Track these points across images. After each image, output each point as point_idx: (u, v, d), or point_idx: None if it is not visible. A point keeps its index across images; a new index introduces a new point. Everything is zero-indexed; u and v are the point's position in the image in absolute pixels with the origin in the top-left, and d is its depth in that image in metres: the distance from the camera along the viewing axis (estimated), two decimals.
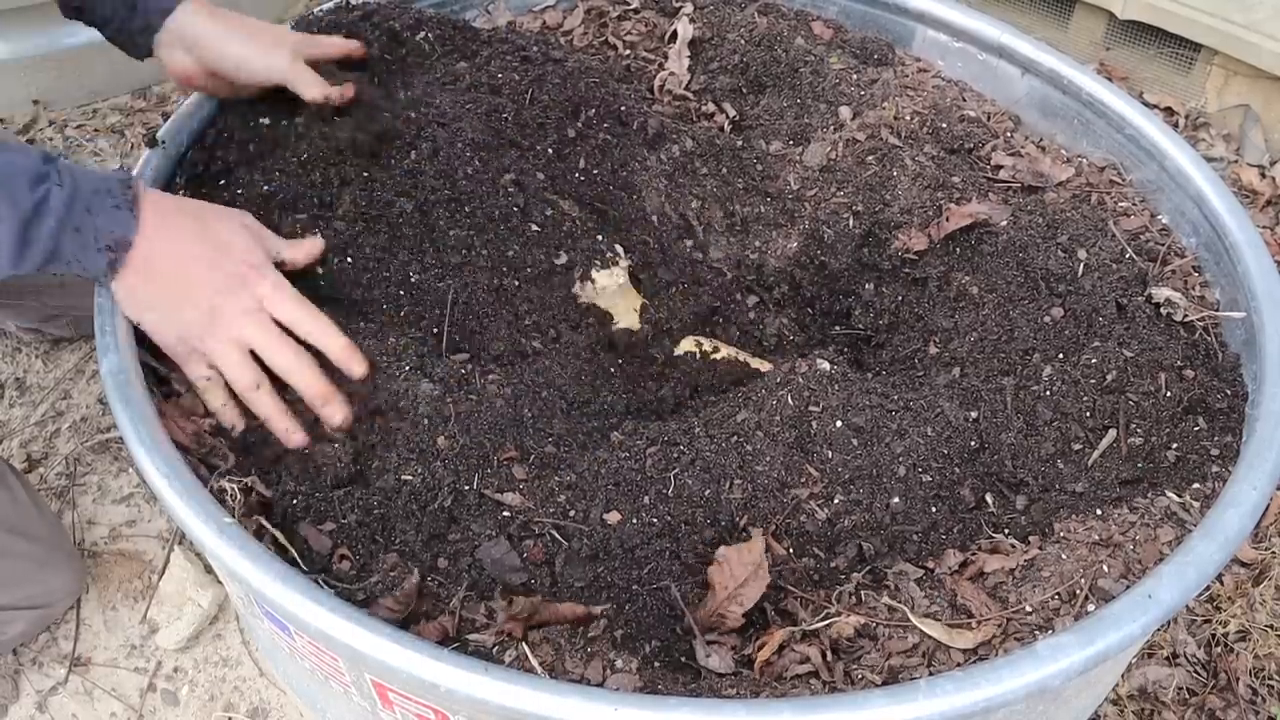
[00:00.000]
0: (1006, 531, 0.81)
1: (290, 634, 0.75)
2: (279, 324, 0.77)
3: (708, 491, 0.80)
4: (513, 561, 0.75)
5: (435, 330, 0.88)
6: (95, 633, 1.24)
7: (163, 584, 1.24)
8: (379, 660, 0.63)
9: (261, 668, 1.20)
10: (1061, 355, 0.92)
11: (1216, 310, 0.94)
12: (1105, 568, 0.74)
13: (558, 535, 0.77)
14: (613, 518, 0.78)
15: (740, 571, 0.74)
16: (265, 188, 0.91)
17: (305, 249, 0.83)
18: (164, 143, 0.95)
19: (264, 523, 0.74)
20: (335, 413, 0.78)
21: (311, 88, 0.92)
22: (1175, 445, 0.85)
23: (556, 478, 0.80)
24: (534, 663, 0.67)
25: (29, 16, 1.80)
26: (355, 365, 0.78)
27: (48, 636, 1.23)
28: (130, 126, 1.89)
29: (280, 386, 0.79)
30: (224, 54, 0.91)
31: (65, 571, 1.16)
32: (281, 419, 0.77)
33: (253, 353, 0.78)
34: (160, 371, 0.82)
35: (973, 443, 0.87)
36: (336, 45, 0.98)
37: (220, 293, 0.75)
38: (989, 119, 1.15)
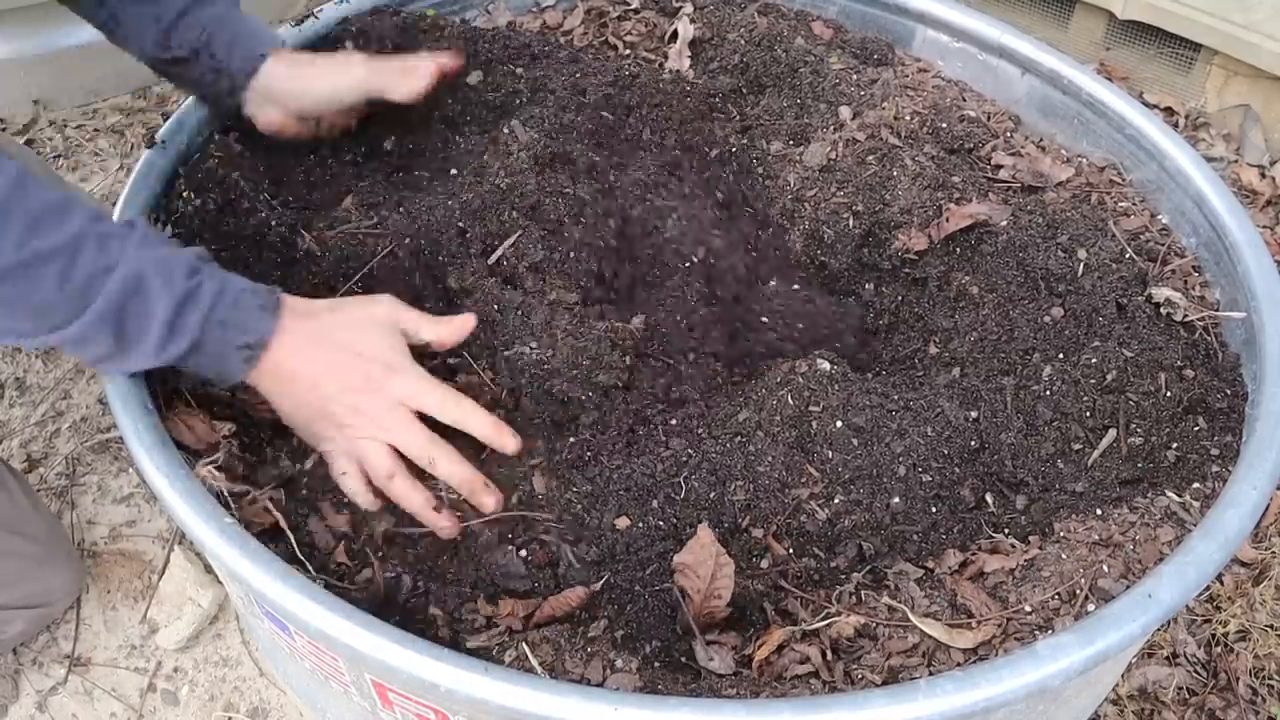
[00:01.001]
0: (1006, 531, 0.81)
1: (290, 634, 0.75)
2: (422, 415, 0.77)
3: (713, 494, 0.80)
4: (516, 569, 0.75)
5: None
6: (95, 633, 1.24)
7: (163, 584, 1.24)
8: (379, 660, 0.63)
9: (261, 668, 1.20)
10: (1061, 355, 0.92)
11: (1216, 310, 0.94)
12: (1105, 567, 0.74)
13: (568, 547, 0.77)
14: (622, 523, 0.78)
15: (704, 570, 0.74)
16: None
17: (453, 329, 0.81)
18: (164, 143, 0.95)
19: (264, 501, 0.75)
20: (488, 499, 0.77)
21: (401, 84, 0.96)
22: (1175, 445, 0.85)
23: (574, 489, 0.81)
24: (534, 663, 0.67)
25: (29, 16, 1.80)
26: (508, 442, 0.77)
27: (48, 636, 1.23)
28: (130, 126, 1.89)
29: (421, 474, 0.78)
30: (303, 96, 0.95)
31: (64, 570, 1.16)
32: (429, 512, 0.76)
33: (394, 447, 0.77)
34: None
35: (973, 443, 0.87)
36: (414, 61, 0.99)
37: (357, 392, 0.75)
38: (989, 119, 1.15)
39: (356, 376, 0.75)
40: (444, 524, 0.76)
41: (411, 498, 0.76)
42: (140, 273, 0.68)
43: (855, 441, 0.84)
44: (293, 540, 0.75)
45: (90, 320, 0.67)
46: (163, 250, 0.71)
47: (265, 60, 0.93)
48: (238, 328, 0.72)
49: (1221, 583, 1.23)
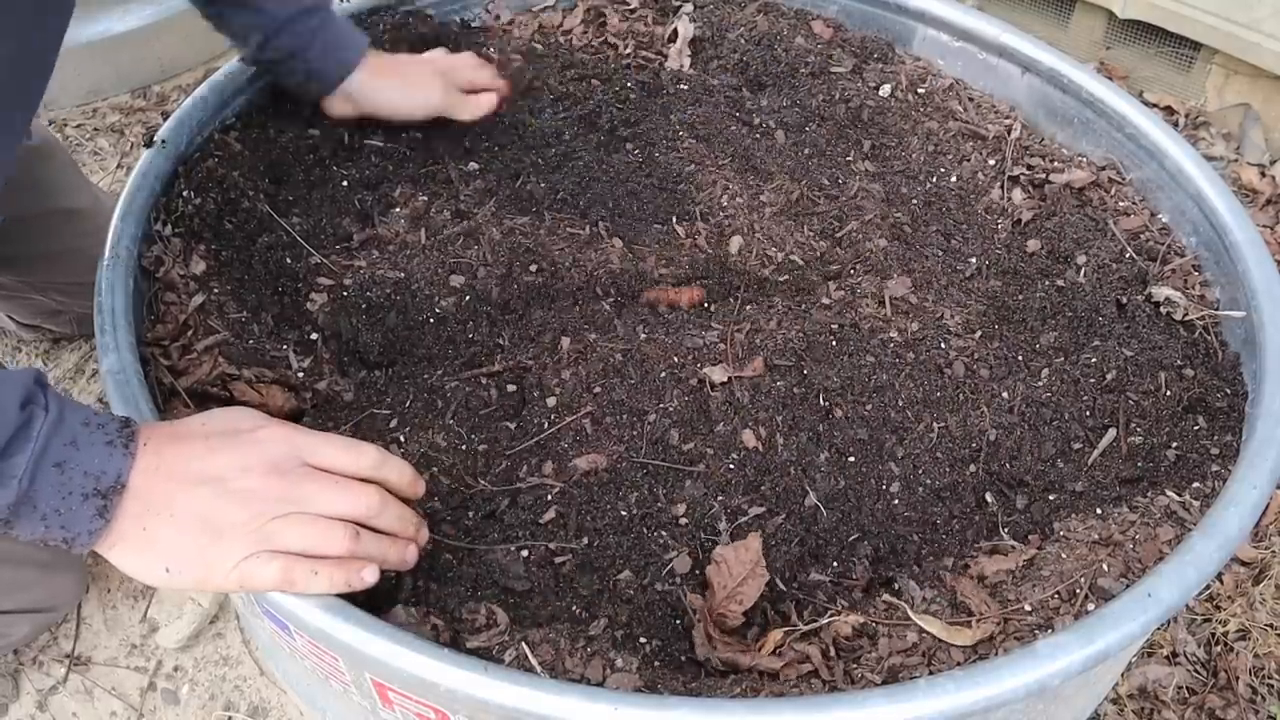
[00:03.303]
0: (1006, 531, 0.81)
1: (290, 633, 0.75)
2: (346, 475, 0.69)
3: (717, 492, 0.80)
4: (517, 569, 0.75)
5: None
6: (95, 632, 1.24)
7: None
8: (379, 660, 0.63)
9: (262, 667, 1.20)
10: (1061, 355, 0.92)
11: (1216, 309, 0.94)
12: (1105, 567, 0.74)
13: (572, 547, 0.77)
14: (627, 516, 0.78)
15: (739, 570, 0.74)
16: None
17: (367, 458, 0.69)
18: (164, 143, 0.95)
19: None
20: (425, 532, 0.73)
21: (464, 112, 1.06)
22: (1175, 444, 0.85)
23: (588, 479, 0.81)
24: (534, 662, 0.67)
25: None
26: (420, 488, 0.73)
27: (48, 635, 1.23)
28: (130, 126, 1.89)
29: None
30: (379, 103, 1.03)
31: (69, 576, 1.16)
32: (397, 550, 0.69)
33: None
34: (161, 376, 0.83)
35: (973, 442, 0.87)
36: (484, 81, 1.08)
37: (266, 506, 0.64)
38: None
39: (264, 498, 0.63)
40: (413, 554, 0.70)
41: (389, 548, 0.68)
42: None
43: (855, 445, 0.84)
44: None
45: None
46: None
47: (353, 69, 1.01)
48: (81, 469, 0.59)
49: (1221, 582, 1.23)
